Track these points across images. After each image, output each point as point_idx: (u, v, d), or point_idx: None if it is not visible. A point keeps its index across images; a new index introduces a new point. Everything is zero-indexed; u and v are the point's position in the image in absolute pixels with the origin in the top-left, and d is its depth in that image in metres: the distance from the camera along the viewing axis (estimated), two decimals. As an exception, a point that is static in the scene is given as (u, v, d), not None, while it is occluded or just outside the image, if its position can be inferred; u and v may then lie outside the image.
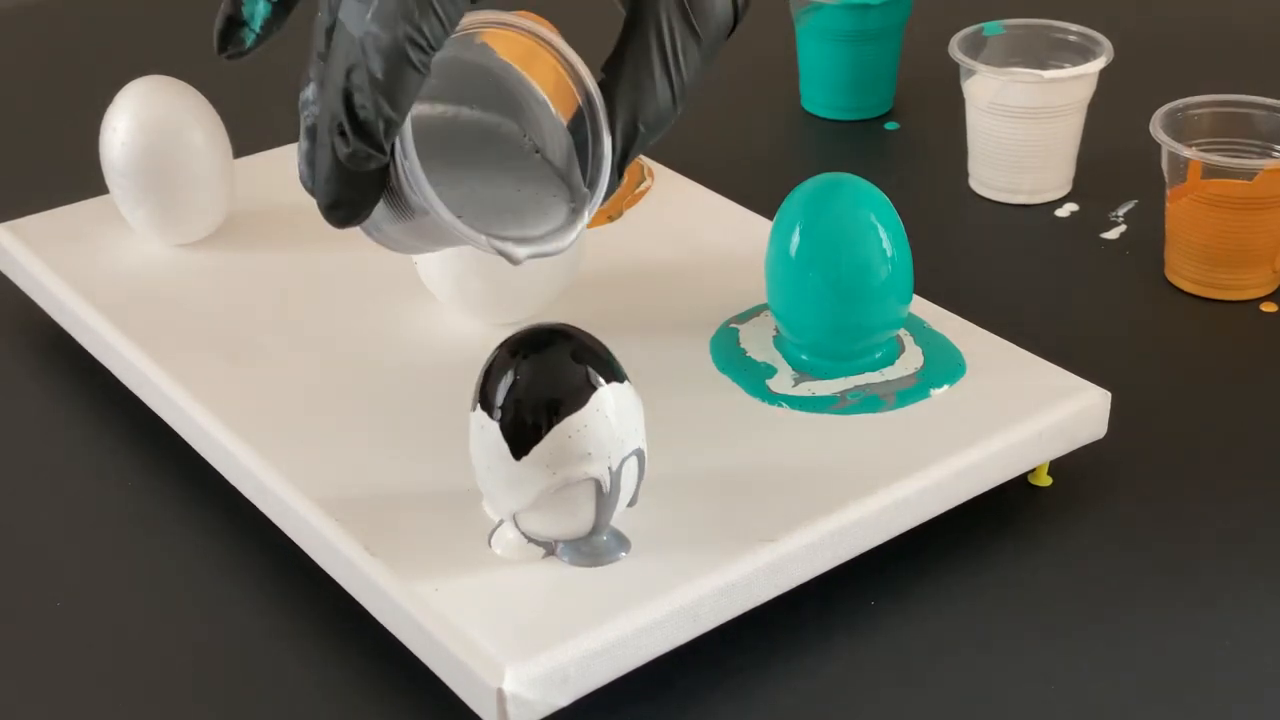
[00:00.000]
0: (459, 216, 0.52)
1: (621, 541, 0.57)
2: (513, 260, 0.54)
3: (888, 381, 0.65)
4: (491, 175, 0.56)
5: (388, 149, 0.50)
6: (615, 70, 0.54)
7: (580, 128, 0.55)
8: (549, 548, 0.57)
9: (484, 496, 0.58)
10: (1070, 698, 0.56)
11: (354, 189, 0.51)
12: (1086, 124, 0.86)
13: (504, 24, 0.54)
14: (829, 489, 0.59)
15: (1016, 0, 0.99)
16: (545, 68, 0.56)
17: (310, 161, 0.52)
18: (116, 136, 0.74)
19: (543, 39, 0.54)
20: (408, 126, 0.51)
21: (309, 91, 0.52)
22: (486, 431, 0.55)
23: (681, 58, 0.53)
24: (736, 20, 0.54)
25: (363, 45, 0.49)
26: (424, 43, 0.49)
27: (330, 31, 0.51)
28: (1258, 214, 0.76)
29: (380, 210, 0.53)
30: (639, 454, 0.56)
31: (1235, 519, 0.64)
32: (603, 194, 0.55)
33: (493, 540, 0.57)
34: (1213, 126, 0.79)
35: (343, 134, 0.50)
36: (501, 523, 0.57)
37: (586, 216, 0.55)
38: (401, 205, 0.53)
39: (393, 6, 0.49)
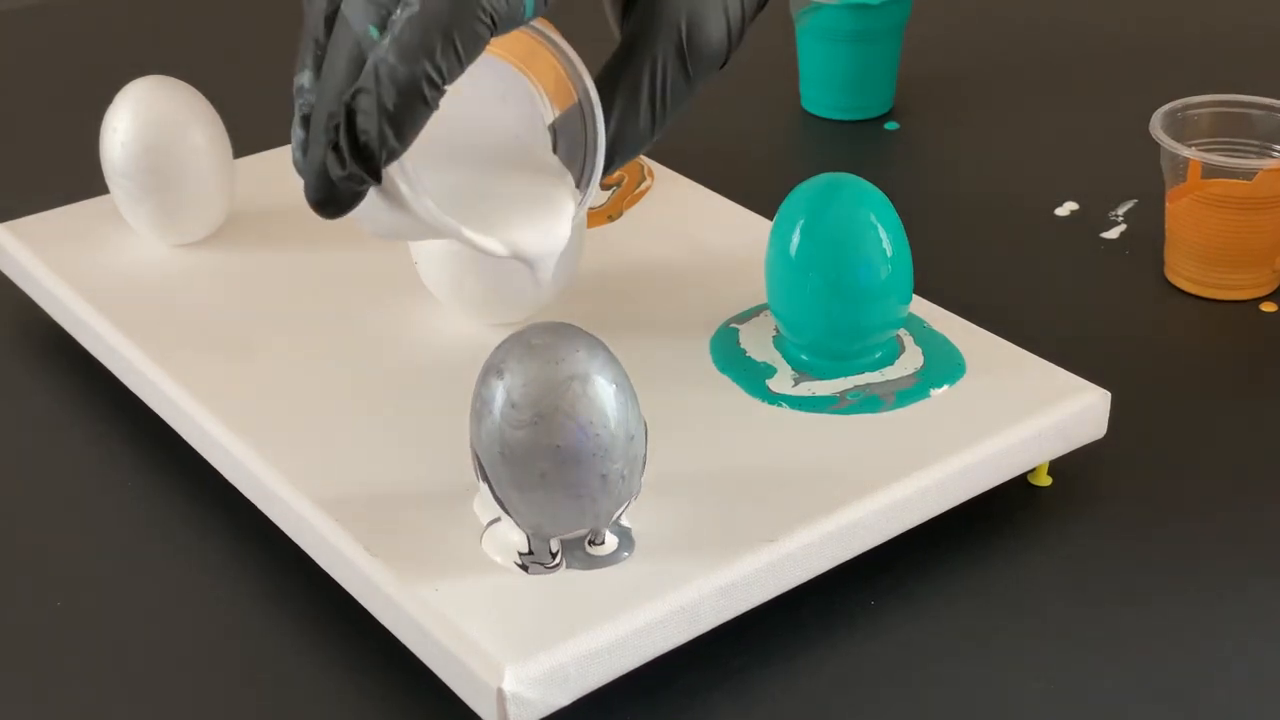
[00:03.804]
0: (457, 220, 0.52)
1: (625, 542, 0.57)
2: (529, 264, 0.54)
3: (888, 381, 0.65)
4: (483, 169, 0.56)
5: (382, 175, 0.50)
6: (604, 93, 0.54)
7: (568, 126, 0.55)
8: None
9: (478, 497, 0.58)
10: (1070, 698, 0.56)
11: (345, 190, 0.51)
12: (1086, 122, 0.86)
13: None
14: (829, 489, 0.59)
15: (1017, 3, 0.99)
16: (543, 65, 0.56)
17: (304, 149, 0.52)
18: (116, 136, 0.74)
19: (543, 35, 0.54)
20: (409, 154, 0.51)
21: (305, 78, 0.52)
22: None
23: (670, 94, 0.54)
24: (726, 59, 0.55)
25: (376, 73, 0.48)
26: (440, 80, 0.49)
27: (331, 20, 0.51)
28: (1258, 214, 0.76)
29: (374, 203, 0.53)
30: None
31: (1235, 519, 0.64)
32: (592, 197, 0.55)
33: (487, 542, 0.57)
34: (1213, 126, 0.79)
35: (337, 150, 0.50)
36: (494, 521, 0.57)
37: (579, 214, 0.55)
38: (396, 202, 0.53)
39: (414, 40, 0.48)
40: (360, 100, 0.49)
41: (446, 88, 0.49)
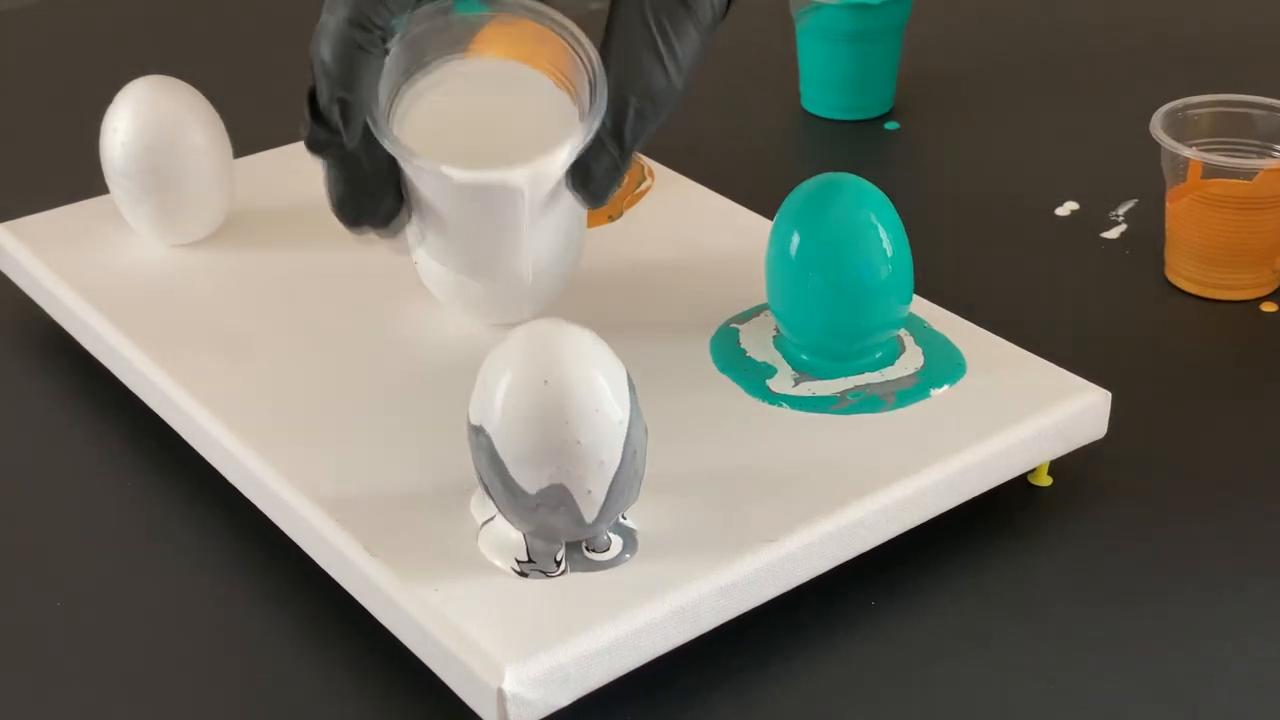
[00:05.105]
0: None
1: (629, 544, 0.57)
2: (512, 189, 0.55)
3: (888, 381, 0.65)
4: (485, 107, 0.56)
5: (346, 133, 0.50)
6: (602, 48, 0.54)
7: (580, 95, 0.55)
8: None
9: (475, 497, 0.58)
10: (1070, 698, 0.56)
11: (356, 189, 0.52)
12: (1086, 122, 0.86)
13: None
14: (829, 489, 0.59)
15: (1017, 3, 0.99)
16: (544, 54, 0.56)
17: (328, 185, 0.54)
18: (116, 136, 0.74)
19: (525, 8, 0.54)
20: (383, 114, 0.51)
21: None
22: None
23: (671, 32, 0.53)
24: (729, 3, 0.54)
25: (316, 34, 0.49)
26: (368, 22, 0.49)
27: None
28: (1258, 214, 0.76)
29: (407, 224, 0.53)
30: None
31: (1235, 519, 0.64)
32: (593, 130, 0.55)
33: (483, 541, 0.57)
34: (1213, 126, 0.79)
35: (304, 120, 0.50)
36: (490, 520, 0.57)
37: (576, 146, 0.55)
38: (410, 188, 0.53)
39: None
40: (313, 67, 0.50)
41: (380, 33, 0.49)
